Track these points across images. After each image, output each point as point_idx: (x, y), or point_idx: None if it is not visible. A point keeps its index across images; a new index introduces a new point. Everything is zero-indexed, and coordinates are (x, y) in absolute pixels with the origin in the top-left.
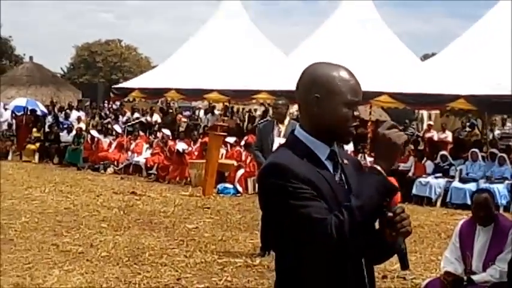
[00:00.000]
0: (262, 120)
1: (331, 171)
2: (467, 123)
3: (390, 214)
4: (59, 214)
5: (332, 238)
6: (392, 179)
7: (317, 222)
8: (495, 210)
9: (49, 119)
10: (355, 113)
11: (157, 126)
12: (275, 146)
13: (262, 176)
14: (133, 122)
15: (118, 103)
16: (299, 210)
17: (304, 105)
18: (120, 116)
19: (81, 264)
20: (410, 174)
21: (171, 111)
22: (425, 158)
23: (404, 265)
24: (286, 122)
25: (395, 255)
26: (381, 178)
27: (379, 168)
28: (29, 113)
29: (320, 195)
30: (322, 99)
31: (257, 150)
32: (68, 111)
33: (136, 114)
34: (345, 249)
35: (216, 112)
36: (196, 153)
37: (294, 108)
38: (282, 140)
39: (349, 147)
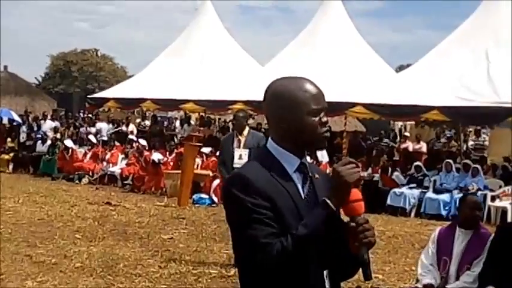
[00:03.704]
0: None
1: (299, 184)
2: (447, 135)
3: (353, 224)
4: (33, 225)
5: (271, 263)
6: (355, 190)
7: (260, 247)
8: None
9: (23, 128)
10: (323, 119)
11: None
12: (236, 157)
13: (225, 185)
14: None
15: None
16: (248, 230)
17: (272, 121)
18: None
19: (55, 276)
20: (380, 185)
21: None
22: (390, 170)
23: (367, 276)
24: (245, 132)
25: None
26: (327, 213)
27: (328, 202)
28: (6, 122)
29: (278, 213)
30: (288, 113)
31: (221, 164)
32: (42, 121)
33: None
34: (284, 270)
35: (192, 122)
36: (171, 163)
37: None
38: (243, 151)
39: (324, 159)
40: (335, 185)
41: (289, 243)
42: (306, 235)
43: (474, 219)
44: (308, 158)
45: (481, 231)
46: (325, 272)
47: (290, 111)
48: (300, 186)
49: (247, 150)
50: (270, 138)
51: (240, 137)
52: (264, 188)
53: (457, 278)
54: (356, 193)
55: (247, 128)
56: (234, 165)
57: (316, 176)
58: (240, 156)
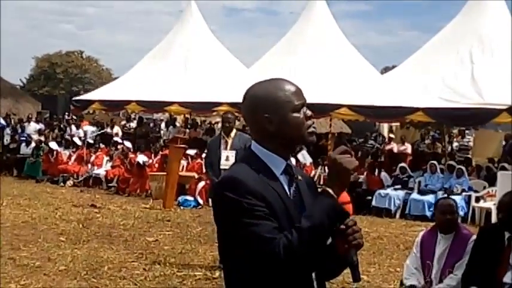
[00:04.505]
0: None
1: (286, 186)
2: (431, 136)
3: (342, 226)
4: (17, 227)
5: (280, 257)
6: (344, 193)
7: (266, 242)
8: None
9: (7, 131)
10: (307, 113)
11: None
12: (223, 159)
13: (217, 189)
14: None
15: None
16: (250, 228)
17: (256, 126)
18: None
19: (38, 279)
20: (364, 187)
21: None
22: (376, 170)
23: (356, 277)
24: (232, 134)
25: (348, 267)
26: (332, 202)
27: (331, 191)
28: None
29: (272, 212)
30: (272, 116)
31: (208, 166)
32: (26, 123)
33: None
34: (291, 268)
35: (177, 124)
36: (156, 165)
37: None
38: (230, 153)
39: (307, 160)
40: (334, 173)
41: (294, 237)
42: (311, 227)
43: (447, 223)
44: (293, 161)
45: (462, 233)
46: (313, 274)
47: (275, 112)
48: (286, 188)
49: (234, 152)
50: (253, 141)
51: (227, 139)
52: (255, 188)
53: (441, 282)
54: (344, 196)
55: (234, 130)
56: (221, 167)
57: (300, 177)
58: (227, 158)
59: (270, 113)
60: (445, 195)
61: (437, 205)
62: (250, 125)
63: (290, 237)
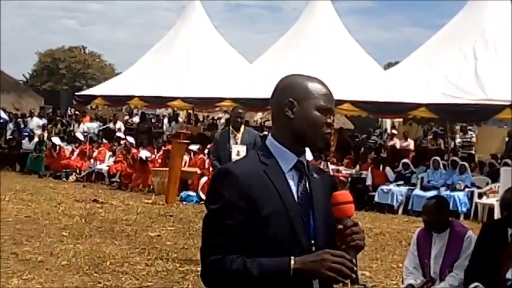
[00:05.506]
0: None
1: (293, 183)
2: (434, 132)
3: (340, 227)
4: (19, 222)
5: (209, 274)
6: (346, 192)
7: (211, 253)
8: (450, 217)
9: (10, 126)
10: (328, 120)
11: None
12: (233, 154)
13: (212, 177)
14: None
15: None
16: (212, 231)
17: (279, 109)
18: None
19: (41, 273)
20: (369, 182)
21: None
22: (381, 165)
23: (353, 279)
24: (242, 129)
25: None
26: (287, 274)
27: (292, 263)
28: None
29: (259, 213)
30: (297, 102)
31: (215, 160)
32: (29, 118)
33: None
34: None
35: (180, 120)
36: (159, 160)
37: (257, 116)
38: (240, 147)
39: (309, 156)
40: (313, 261)
41: (237, 269)
42: (253, 277)
43: (428, 224)
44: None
45: (456, 231)
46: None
47: (301, 101)
48: (293, 185)
49: (245, 147)
50: (270, 135)
51: (236, 133)
52: (249, 187)
53: (441, 280)
54: (346, 195)
55: (243, 125)
56: (232, 161)
57: (315, 175)
58: (238, 153)
59: (297, 99)
60: (435, 195)
61: (423, 207)
62: (274, 108)
63: (234, 265)
